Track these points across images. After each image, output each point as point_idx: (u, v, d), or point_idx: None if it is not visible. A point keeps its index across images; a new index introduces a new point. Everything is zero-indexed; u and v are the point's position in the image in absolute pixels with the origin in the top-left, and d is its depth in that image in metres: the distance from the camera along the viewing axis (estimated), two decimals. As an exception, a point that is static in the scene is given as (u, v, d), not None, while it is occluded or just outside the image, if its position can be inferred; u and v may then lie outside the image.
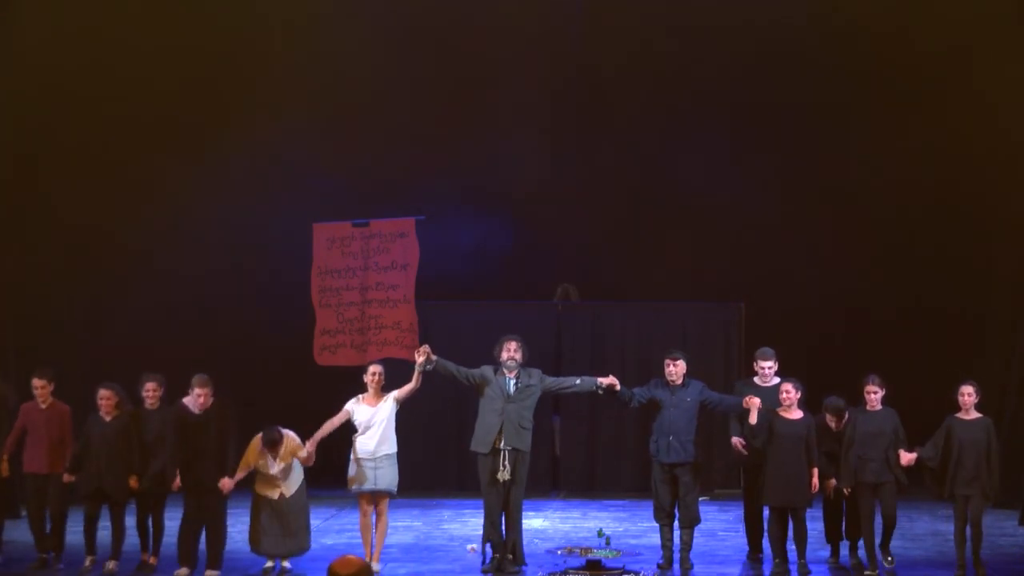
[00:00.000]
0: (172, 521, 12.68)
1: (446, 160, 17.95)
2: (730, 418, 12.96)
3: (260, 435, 12.37)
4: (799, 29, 17.19)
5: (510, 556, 12.41)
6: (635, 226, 18.56)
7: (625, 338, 17.44)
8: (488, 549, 12.52)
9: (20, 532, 13.74)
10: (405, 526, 15.00)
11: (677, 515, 12.63)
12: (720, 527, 14.94)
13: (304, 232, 13.88)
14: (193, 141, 17.06)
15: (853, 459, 12.31)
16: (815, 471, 12.35)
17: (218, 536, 12.35)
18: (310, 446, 12.39)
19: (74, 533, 13.02)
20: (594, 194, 18.37)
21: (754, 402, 12.48)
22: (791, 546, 12.42)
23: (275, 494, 12.44)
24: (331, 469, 12.74)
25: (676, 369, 12.60)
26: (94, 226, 16.95)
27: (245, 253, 17.68)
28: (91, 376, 13.16)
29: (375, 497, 12.52)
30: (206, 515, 12.29)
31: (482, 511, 12.51)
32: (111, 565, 12.51)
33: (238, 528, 12.86)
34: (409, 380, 12.55)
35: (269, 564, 12.61)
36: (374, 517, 12.60)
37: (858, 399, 12.49)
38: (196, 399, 12.22)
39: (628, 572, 12.04)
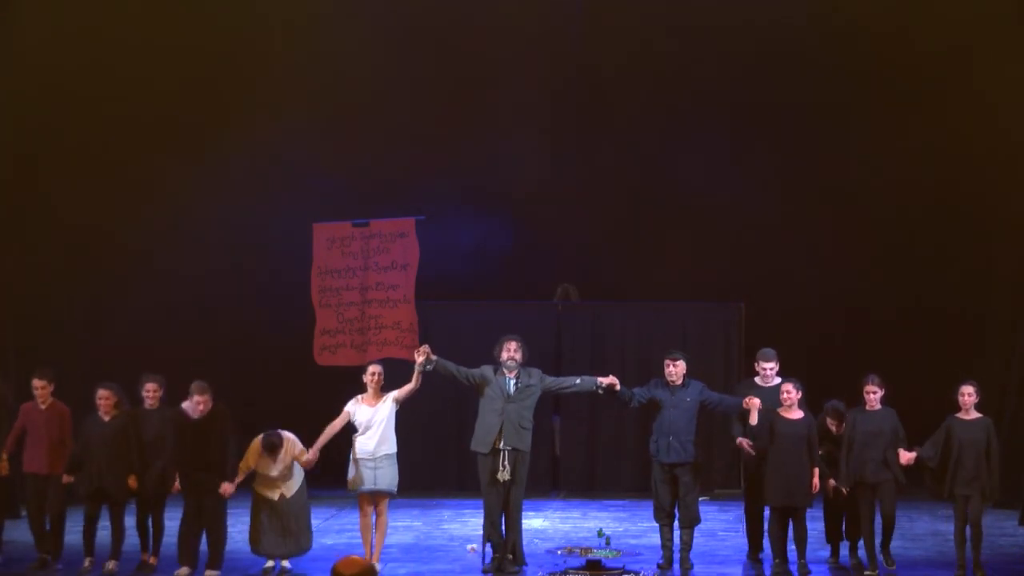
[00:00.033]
0: (172, 521, 12.68)
1: (446, 160, 17.95)
2: (732, 419, 12.96)
3: (260, 438, 12.36)
4: (799, 29, 17.19)
5: (510, 556, 12.41)
6: (635, 226, 18.56)
7: (625, 338, 17.44)
8: (488, 549, 12.52)
9: (20, 532, 13.75)
10: (405, 526, 15.00)
11: (677, 515, 12.63)
12: (720, 527, 14.94)
13: (304, 232, 13.88)
14: (193, 141, 17.07)
15: (853, 459, 12.31)
16: (816, 471, 12.35)
17: (218, 536, 12.35)
18: (313, 454, 12.40)
19: (74, 533, 13.02)
20: (594, 194, 18.37)
21: (754, 403, 12.48)
22: (791, 546, 12.42)
23: (275, 495, 12.44)
24: (331, 469, 12.74)
25: (676, 369, 12.60)
26: (94, 226, 16.95)
27: (245, 253, 17.68)
28: (91, 376, 13.16)
29: (375, 497, 12.52)
30: (206, 515, 12.29)
31: (482, 511, 12.51)
32: (111, 565, 12.51)
33: (238, 528, 12.86)
34: (409, 380, 12.56)
35: (269, 564, 12.61)
36: (374, 517, 12.60)
37: (858, 399, 12.49)
38: (195, 406, 12.20)
39: (628, 572, 12.04)
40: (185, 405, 12.35)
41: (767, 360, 12.93)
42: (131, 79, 16.81)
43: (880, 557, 12.44)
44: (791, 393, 12.38)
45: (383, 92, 17.64)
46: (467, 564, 12.99)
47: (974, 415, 12.26)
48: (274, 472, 12.37)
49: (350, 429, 12.57)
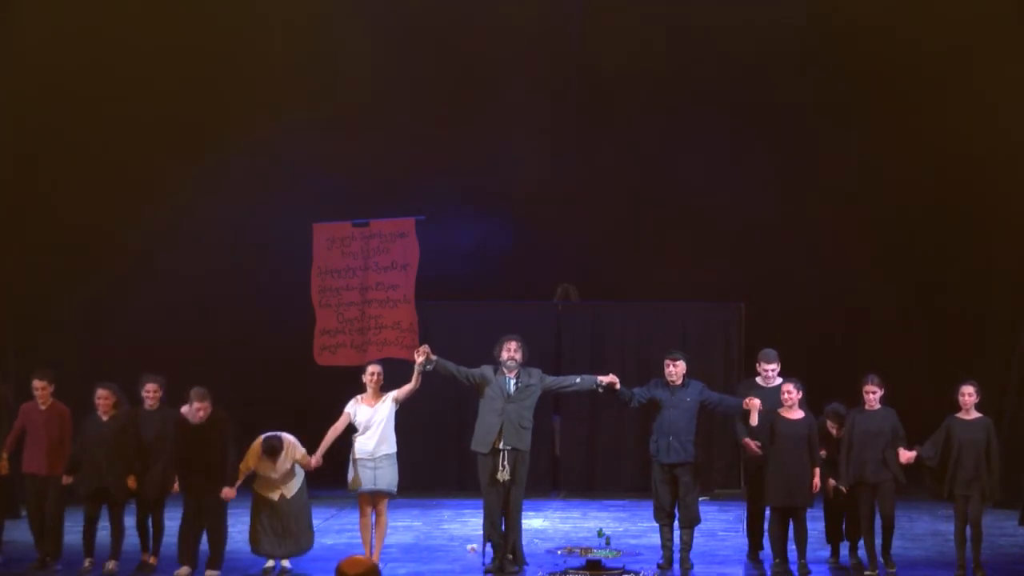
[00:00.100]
0: (172, 521, 12.68)
1: (446, 160, 17.95)
2: (735, 419, 12.96)
3: (261, 441, 12.34)
4: (799, 29, 17.18)
5: (510, 556, 12.41)
6: (635, 226, 18.56)
7: (625, 338, 17.44)
8: (489, 549, 12.52)
9: (20, 532, 13.75)
10: (405, 526, 15.00)
11: (677, 515, 12.63)
12: (720, 527, 14.94)
13: (304, 232, 13.89)
14: (193, 141, 17.06)
15: (852, 459, 12.31)
16: (816, 471, 12.35)
17: (219, 536, 12.35)
18: (316, 460, 12.41)
19: (74, 533, 13.02)
20: (594, 194, 18.36)
21: (754, 403, 12.48)
22: (791, 546, 12.42)
23: (275, 495, 12.44)
24: (331, 469, 12.72)
25: (676, 369, 12.60)
26: (94, 226, 16.94)
27: (245, 253, 17.68)
28: (91, 376, 13.16)
29: (375, 497, 12.52)
30: (206, 515, 12.30)
31: (482, 511, 12.51)
32: (111, 565, 12.51)
33: (238, 528, 12.86)
34: (409, 380, 12.56)
35: (269, 564, 12.61)
36: (374, 517, 12.60)
37: (858, 399, 12.49)
38: (195, 413, 12.20)
39: (628, 572, 12.04)
40: (184, 410, 12.35)
41: (769, 361, 12.92)
42: (131, 79, 16.81)
43: (880, 560, 12.43)
44: (791, 393, 12.38)
45: (383, 92, 17.64)
46: (467, 564, 12.99)
47: (974, 415, 12.27)
48: (274, 474, 12.37)
49: (350, 429, 12.57)
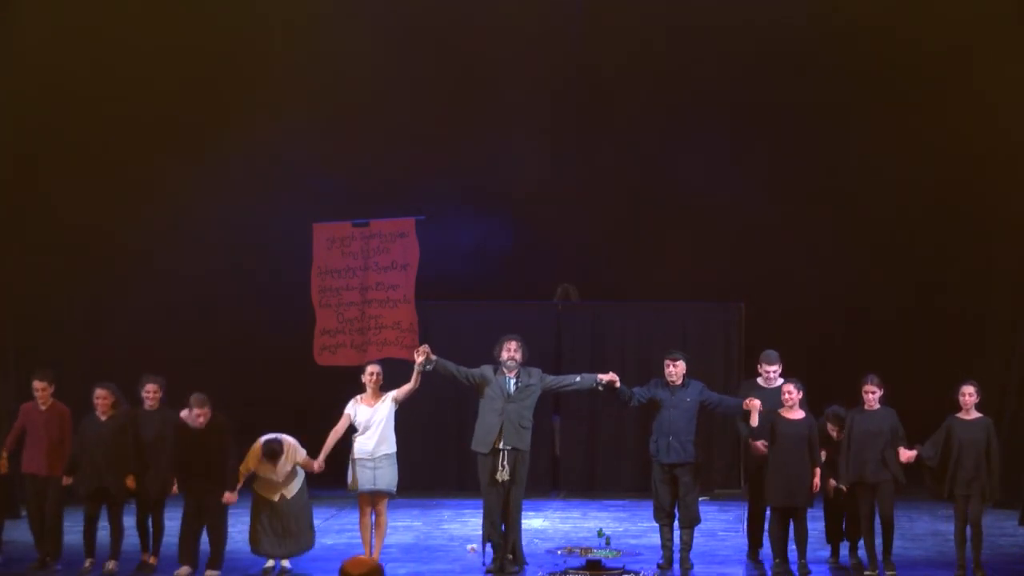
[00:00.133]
0: (172, 521, 12.69)
1: (446, 160, 17.94)
2: (737, 420, 12.96)
3: (261, 444, 12.32)
4: (799, 29, 17.18)
5: (510, 556, 12.41)
6: (635, 226, 18.55)
7: (625, 338, 17.43)
8: (489, 549, 12.52)
9: (20, 532, 13.75)
10: (405, 526, 15.00)
11: (677, 515, 12.63)
12: (720, 527, 14.94)
13: (304, 232, 13.89)
14: (193, 141, 17.06)
15: (852, 459, 12.30)
16: (817, 471, 12.35)
17: (219, 536, 12.35)
18: (319, 464, 12.42)
19: (74, 533, 13.02)
20: (594, 194, 18.36)
21: (754, 404, 12.48)
22: (791, 546, 12.41)
23: (275, 496, 12.43)
24: (331, 469, 12.72)
25: (676, 370, 12.60)
26: (94, 226, 16.94)
27: (245, 253, 17.67)
28: (91, 376, 13.16)
29: (374, 497, 12.52)
30: (207, 515, 12.30)
31: (482, 511, 12.51)
32: (111, 565, 12.51)
33: (238, 528, 12.86)
34: (409, 380, 12.55)
35: (269, 564, 12.61)
36: (374, 517, 12.60)
37: (858, 399, 12.48)
38: (195, 419, 12.20)
39: (628, 572, 12.04)
40: (184, 415, 12.34)
41: (770, 363, 12.92)
42: (131, 79, 16.80)
43: (881, 563, 12.41)
44: (792, 393, 12.38)
45: (383, 92, 17.63)
46: (467, 564, 13.00)
47: (974, 415, 12.26)
48: (275, 476, 12.37)
49: (349, 429, 12.57)
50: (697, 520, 12.63)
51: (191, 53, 16.95)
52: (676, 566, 12.60)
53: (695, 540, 12.81)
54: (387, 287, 13.41)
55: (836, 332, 17.92)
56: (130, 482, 12.47)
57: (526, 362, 12.57)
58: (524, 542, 12.73)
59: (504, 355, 12.47)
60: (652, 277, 18.13)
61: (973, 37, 16.46)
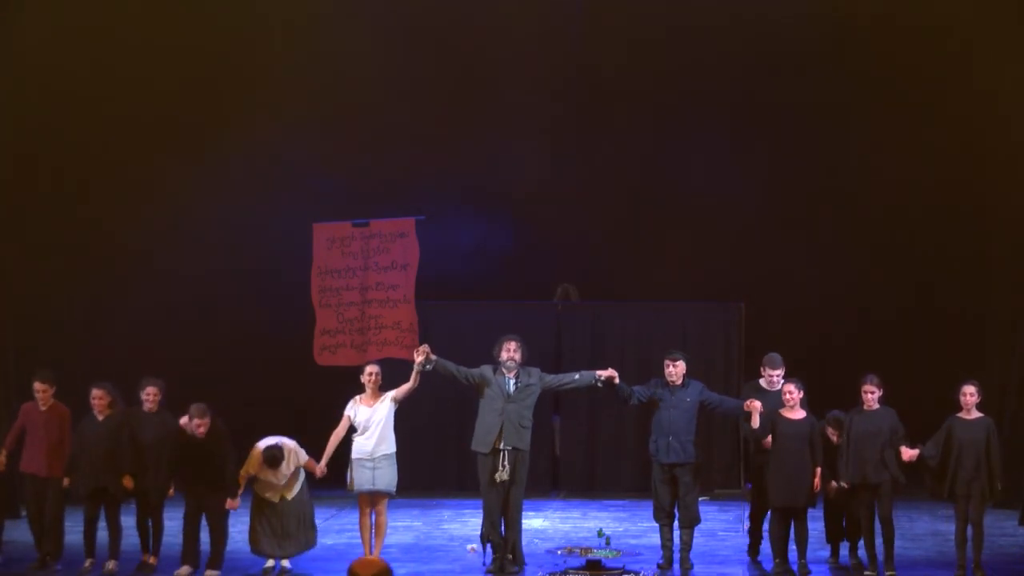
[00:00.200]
0: (172, 521, 12.69)
1: (446, 160, 17.94)
2: (740, 421, 12.94)
3: (262, 450, 12.29)
4: (799, 29, 17.16)
5: (509, 556, 12.41)
6: (635, 226, 18.55)
7: (625, 338, 17.43)
8: (489, 549, 12.52)
9: (20, 532, 13.74)
10: (405, 526, 14.99)
11: (677, 515, 12.63)
12: (720, 527, 14.93)
13: (304, 232, 13.89)
14: (193, 141, 17.06)
15: (851, 459, 12.30)
16: (818, 470, 12.35)
17: (219, 536, 12.35)
18: (322, 469, 12.43)
19: (74, 534, 13.01)
20: (594, 194, 18.35)
21: (755, 406, 12.46)
22: (791, 546, 12.41)
23: (275, 497, 12.43)
24: (331, 469, 12.72)
25: (676, 370, 12.60)
26: (94, 226, 16.95)
27: (245, 253, 17.66)
28: (91, 376, 13.15)
29: (374, 497, 12.51)
30: (207, 515, 12.31)
31: (482, 511, 12.51)
32: (111, 565, 12.51)
33: (238, 528, 12.85)
34: (408, 380, 12.55)
35: (269, 564, 12.61)
36: (373, 517, 12.60)
37: (858, 399, 12.48)
38: (195, 428, 12.20)
39: (628, 572, 12.04)
40: (183, 422, 12.34)
41: (774, 367, 12.92)
42: (131, 79, 16.81)
43: (881, 563, 12.39)
44: (793, 393, 12.38)
45: (383, 92, 17.62)
46: (467, 564, 12.99)
47: (975, 415, 12.26)
48: (275, 480, 12.36)
49: (350, 429, 12.57)
50: (697, 520, 12.63)
51: (191, 53, 16.94)
52: (676, 566, 12.60)
53: (695, 540, 12.81)
54: (387, 287, 13.41)
55: (836, 332, 17.90)
56: (127, 482, 12.46)
57: (526, 362, 12.57)
58: (524, 542, 12.73)
59: (504, 355, 12.47)
60: (652, 277, 18.12)
61: (973, 37, 16.45)
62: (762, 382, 13.01)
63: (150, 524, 12.68)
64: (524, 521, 12.78)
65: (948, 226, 17.58)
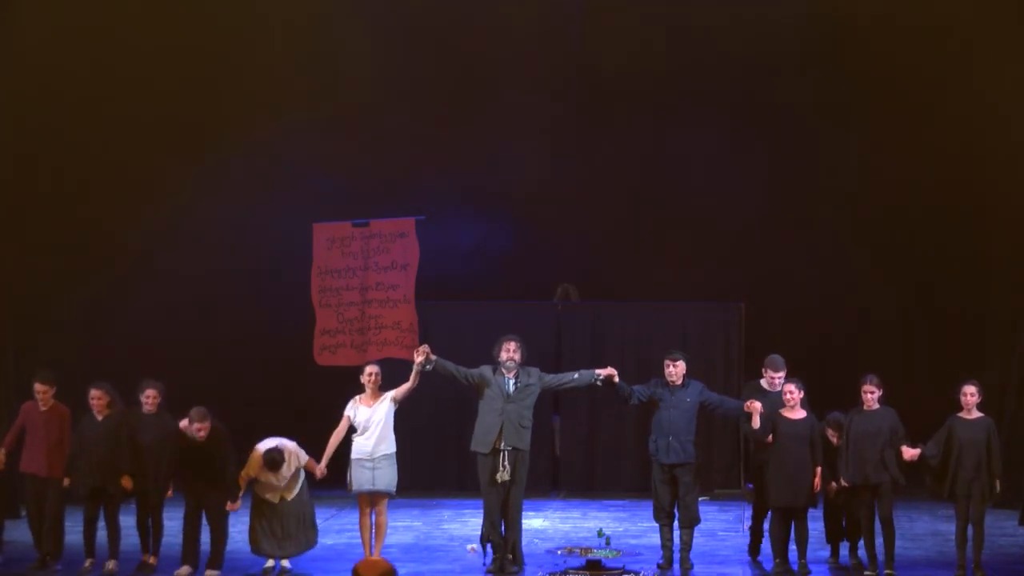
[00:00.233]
0: (172, 521, 12.69)
1: (446, 160, 17.94)
2: (741, 422, 12.95)
3: (262, 453, 12.28)
4: (799, 29, 17.17)
5: (509, 556, 12.41)
6: (635, 226, 18.54)
7: (625, 338, 17.42)
8: (489, 549, 12.51)
9: (20, 532, 13.74)
10: (405, 526, 14.99)
11: (677, 515, 12.63)
12: (720, 527, 14.93)
13: (304, 232, 13.89)
14: (193, 141, 17.06)
15: (851, 459, 12.29)
16: (819, 470, 12.35)
17: (219, 536, 12.35)
18: (321, 470, 12.43)
19: (74, 534, 13.01)
20: (594, 194, 18.35)
21: (755, 407, 12.46)
22: (792, 546, 12.41)
23: (275, 498, 12.43)
24: (331, 469, 12.72)
25: (676, 370, 12.60)
26: (94, 226, 16.95)
27: (245, 253, 17.66)
28: (91, 376, 13.15)
29: (373, 497, 12.51)
30: (207, 515, 12.31)
31: (482, 511, 12.51)
32: (111, 565, 12.51)
33: (238, 528, 12.86)
34: (408, 380, 12.54)
35: (269, 564, 12.61)
36: (373, 517, 12.59)
37: (858, 399, 12.48)
38: (196, 431, 12.20)
39: (628, 572, 12.04)
40: (183, 425, 12.33)
41: (776, 369, 12.93)
42: (131, 79, 16.81)
43: (881, 563, 12.39)
44: (793, 393, 12.39)
45: (383, 92, 17.62)
46: (467, 564, 12.99)
47: (976, 415, 12.26)
48: (276, 481, 12.36)
49: (350, 429, 12.57)
50: (697, 520, 12.63)
51: (191, 53, 16.95)
52: (676, 566, 12.60)
53: (695, 540, 12.81)
54: (387, 287, 13.41)
55: (836, 332, 17.90)
56: (126, 482, 12.45)
57: (525, 362, 12.57)
58: (524, 542, 12.73)
59: (503, 355, 12.47)
60: (652, 277, 18.12)
61: (973, 37, 16.45)
62: (763, 382, 13.02)
63: (150, 524, 12.68)
64: (524, 521, 12.78)
65: (948, 226, 17.57)
